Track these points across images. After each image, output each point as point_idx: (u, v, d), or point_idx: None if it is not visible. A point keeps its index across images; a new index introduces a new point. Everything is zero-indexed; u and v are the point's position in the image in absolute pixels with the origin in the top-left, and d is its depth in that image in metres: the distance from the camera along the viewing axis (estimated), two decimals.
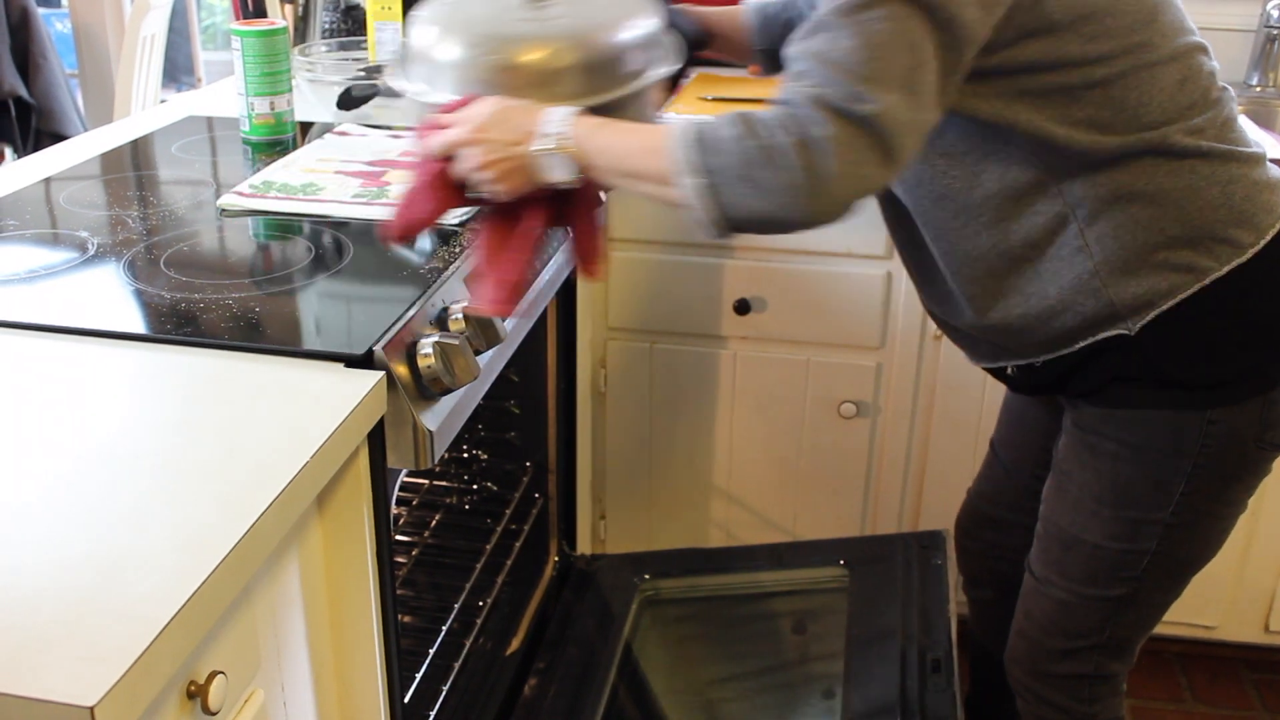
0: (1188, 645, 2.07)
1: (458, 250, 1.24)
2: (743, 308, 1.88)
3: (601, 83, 1.14)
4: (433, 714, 1.47)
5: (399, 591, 1.56)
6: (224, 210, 1.36)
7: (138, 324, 1.08)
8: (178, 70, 4.24)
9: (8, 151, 3.16)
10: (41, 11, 3.15)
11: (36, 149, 2.60)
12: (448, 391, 1.08)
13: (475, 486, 1.84)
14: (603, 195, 1.21)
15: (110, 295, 1.14)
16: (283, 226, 1.33)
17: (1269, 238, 1.13)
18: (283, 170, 1.48)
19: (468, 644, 1.59)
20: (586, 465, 1.94)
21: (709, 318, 1.91)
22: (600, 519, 2.09)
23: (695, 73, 2.01)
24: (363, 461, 1.00)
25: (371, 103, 1.71)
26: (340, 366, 1.01)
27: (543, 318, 1.51)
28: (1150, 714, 1.99)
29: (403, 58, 1.22)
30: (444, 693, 1.51)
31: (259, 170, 1.48)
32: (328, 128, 1.68)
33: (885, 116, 0.97)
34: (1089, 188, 1.11)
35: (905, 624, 1.54)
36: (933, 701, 1.42)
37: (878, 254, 1.81)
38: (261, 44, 1.61)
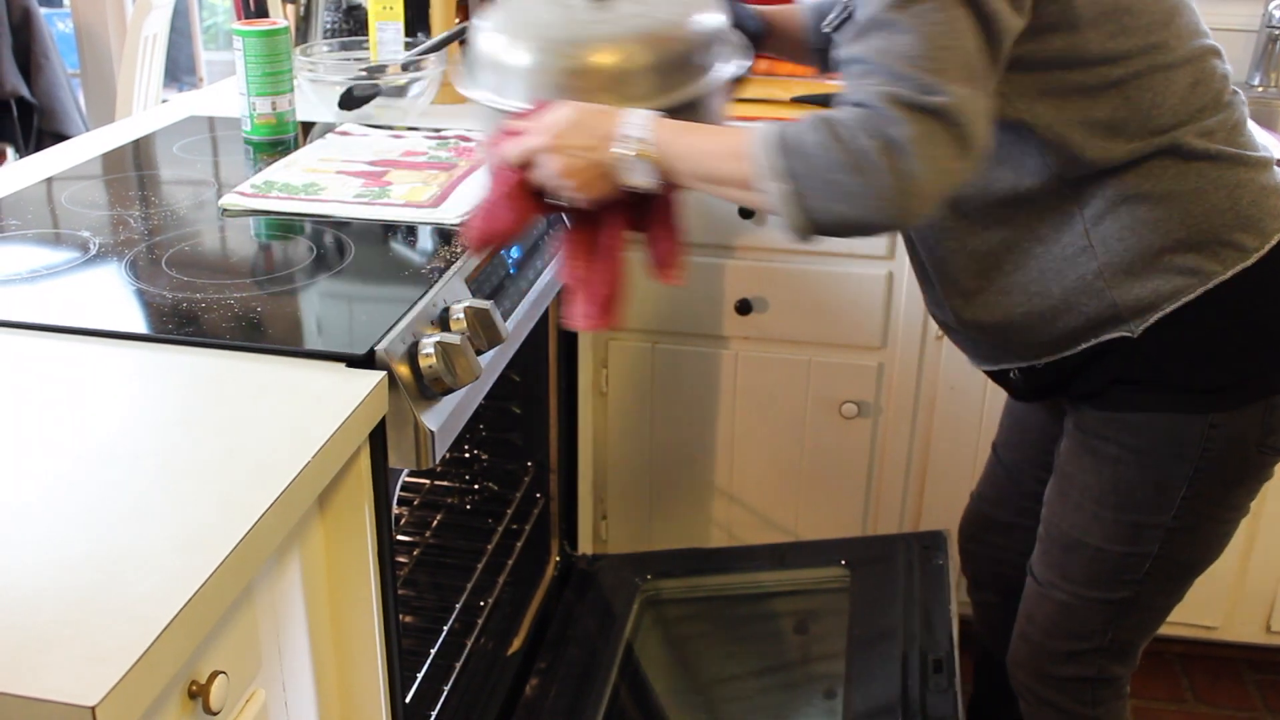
0: (1189, 645, 2.07)
1: (458, 250, 1.24)
2: (744, 308, 1.88)
3: (674, 83, 1.12)
4: (434, 714, 1.47)
5: (400, 591, 1.56)
6: (225, 210, 1.36)
7: (139, 324, 1.08)
8: (179, 70, 4.24)
9: (9, 151, 3.16)
10: (43, 11, 3.15)
11: (38, 149, 2.61)
12: (449, 391, 1.07)
13: (476, 486, 1.84)
14: (682, 199, 1.18)
15: (112, 295, 1.14)
16: (284, 226, 1.33)
17: (1274, 242, 1.13)
18: (284, 170, 1.47)
19: (469, 644, 1.59)
20: (588, 465, 1.93)
21: (710, 318, 1.91)
22: (601, 519, 2.09)
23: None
24: (364, 461, 1.00)
25: (373, 103, 1.71)
26: (342, 366, 1.01)
27: (544, 318, 1.51)
28: (1152, 714, 1.98)
29: (469, 65, 1.20)
30: (445, 693, 1.51)
31: (260, 170, 1.48)
32: (329, 128, 1.68)
33: (957, 107, 0.96)
34: (1098, 189, 1.11)
35: (907, 624, 1.54)
36: (934, 702, 1.42)
37: (879, 254, 1.81)
38: (263, 44, 1.61)
